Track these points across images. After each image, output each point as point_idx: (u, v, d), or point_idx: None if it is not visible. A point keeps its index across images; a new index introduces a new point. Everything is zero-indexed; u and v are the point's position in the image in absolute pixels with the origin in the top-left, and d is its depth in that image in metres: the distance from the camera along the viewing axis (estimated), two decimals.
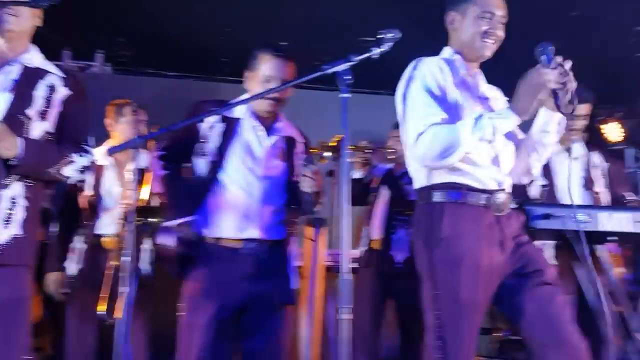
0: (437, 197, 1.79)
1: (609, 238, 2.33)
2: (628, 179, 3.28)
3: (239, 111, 2.13)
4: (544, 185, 2.83)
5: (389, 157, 3.33)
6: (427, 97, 1.77)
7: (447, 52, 1.94)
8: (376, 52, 1.65)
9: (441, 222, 1.75)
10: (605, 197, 2.93)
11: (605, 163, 3.00)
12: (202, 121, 2.11)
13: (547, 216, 2.15)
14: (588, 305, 2.41)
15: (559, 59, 1.68)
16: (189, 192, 2.07)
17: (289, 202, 2.13)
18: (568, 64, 1.68)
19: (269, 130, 2.17)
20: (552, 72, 1.64)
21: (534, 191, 2.83)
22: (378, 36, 1.66)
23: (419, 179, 1.87)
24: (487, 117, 1.71)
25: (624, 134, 4.99)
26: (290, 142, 2.22)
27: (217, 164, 2.07)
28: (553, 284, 1.77)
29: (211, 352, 1.94)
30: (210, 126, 2.11)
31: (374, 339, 3.08)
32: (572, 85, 1.67)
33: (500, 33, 1.84)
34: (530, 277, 1.76)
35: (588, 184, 2.89)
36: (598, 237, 2.28)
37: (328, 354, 2.80)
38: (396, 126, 3.46)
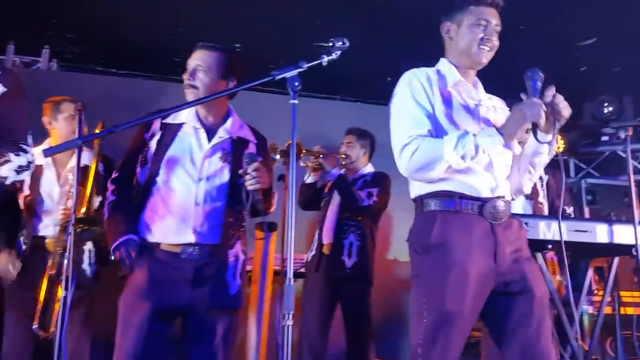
0: (430, 205, 1.80)
1: (548, 246, 2.41)
2: (568, 190, 3.42)
3: (184, 116, 2.12)
4: None
5: (341, 162, 3.36)
6: (414, 108, 1.80)
7: (442, 63, 1.96)
8: (325, 59, 1.66)
9: (432, 230, 1.76)
10: (546, 208, 3.05)
11: (545, 175, 3.13)
12: (147, 131, 2.11)
13: None
14: None
15: (550, 92, 1.72)
16: (124, 219, 2.05)
17: (233, 204, 2.09)
18: (559, 99, 1.72)
19: (213, 133, 2.14)
20: (539, 106, 1.69)
21: None
22: (329, 44, 1.67)
23: (414, 188, 1.89)
24: (472, 134, 1.72)
25: (565, 146, 5.20)
26: (239, 143, 2.19)
27: (154, 170, 2.06)
28: (540, 308, 1.74)
29: (144, 352, 1.91)
30: (151, 134, 2.12)
31: (321, 343, 3.08)
32: (561, 118, 1.73)
33: (496, 41, 1.86)
34: (519, 301, 1.74)
35: (531, 194, 3.00)
36: (538, 245, 2.37)
37: (276, 359, 2.79)
38: (349, 132, 3.50)
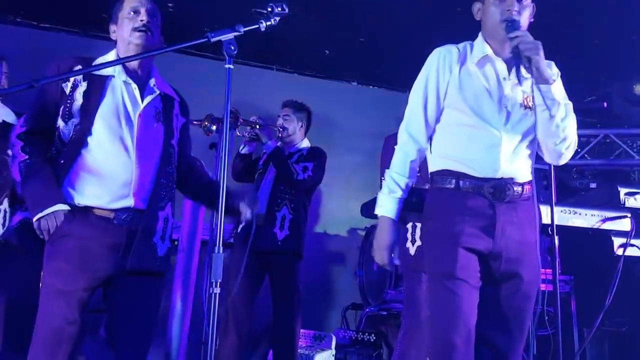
0: (437, 182, 1.91)
1: None
2: None
3: (110, 67, 1.96)
4: None
5: (278, 135, 3.32)
6: (417, 98, 1.94)
7: (478, 38, 1.94)
8: (263, 25, 1.62)
9: (434, 204, 1.90)
10: None
11: None
12: (65, 81, 1.92)
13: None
14: None
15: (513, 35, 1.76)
16: (48, 184, 1.86)
17: (165, 164, 2.00)
18: (521, 39, 1.75)
19: (144, 89, 2.01)
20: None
21: None
22: (268, 9, 1.63)
23: (429, 165, 1.99)
24: (389, 175, 1.92)
25: None
26: (167, 100, 2.07)
27: (85, 127, 1.89)
28: (523, 296, 1.80)
29: (68, 321, 1.82)
30: (74, 85, 1.93)
31: (246, 314, 3.06)
32: (528, 59, 1.74)
33: (519, 13, 1.82)
34: (507, 284, 1.80)
35: None
36: None
37: (200, 327, 2.76)
38: (286, 104, 3.46)
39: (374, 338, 3.67)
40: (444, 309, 1.76)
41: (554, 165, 5.23)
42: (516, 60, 1.83)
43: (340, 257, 4.73)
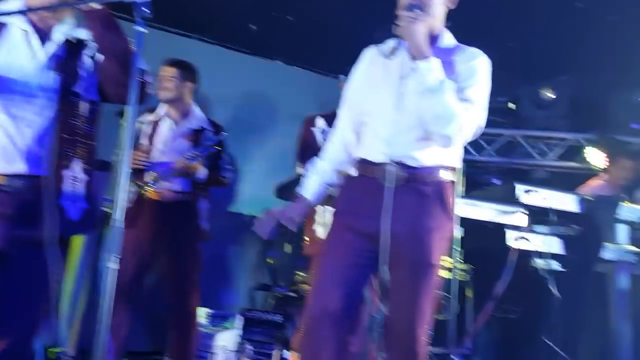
0: (351, 170, 1.95)
1: None
2: None
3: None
4: None
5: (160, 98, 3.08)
6: (346, 96, 1.98)
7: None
8: None
9: (339, 192, 1.94)
10: None
11: None
12: None
13: None
14: None
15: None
16: None
17: (68, 118, 1.85)
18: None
19: (46, 37, 1.84)
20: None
21: None
22: None
23: None
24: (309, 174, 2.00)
25: None
26: (73, 48, 1.90)
27: None
28: (417, 281, 1.77)
29: None
30: None
31: (135, 289, 2.92)
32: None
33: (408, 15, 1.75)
34: (401, 269, 1.77)
35: None
36: None
37: (95, 303, 2.64)
38: (170, 63, 3.12)
39: (281, 319, 3.70)
40: (313, 284, 1.85)
41: (463, 160, 5.47)
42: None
43: (253, 238, 4.70)
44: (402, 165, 1.79)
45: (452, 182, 1.85)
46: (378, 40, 1.92)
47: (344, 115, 2.01)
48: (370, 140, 1.87)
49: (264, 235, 1.97)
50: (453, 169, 1.86)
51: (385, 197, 1.74)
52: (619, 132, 5.49)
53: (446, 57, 1.81)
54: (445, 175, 1.83)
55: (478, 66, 1.83)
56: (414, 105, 1.77)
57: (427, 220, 1.78)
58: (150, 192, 2.90)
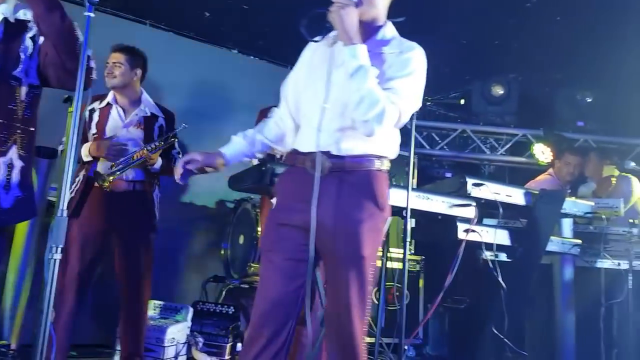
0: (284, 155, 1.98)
1: None
2: None
3: None
4: None
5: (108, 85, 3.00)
6: (286, 84, 1.98)
7: None
8: None
9: (276, 185, 1.94)
10: None
11: None
12: None
13: None
14: None
15: None
16: None
17: (7, 104, 1.78)
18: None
19: None
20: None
21: None
22: None
23: None
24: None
25: None
26: (13, 29, 1.82)
27: None
28: (346, 271, 1.72)
29: None
30: None
31: (84, 281, 2.82)
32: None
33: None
34: (332, 260, 1.76)
35: None
36: None
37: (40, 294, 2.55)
38: (118, 49, 3.05)
39: (233, 310, 3.67)
40: (259, 281, 1.83)
41: (417, 154, 5.55)
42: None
43: (206, 229, 4.64)
44: (329, 154, 1.75)
45: (384, 171, 1.81)
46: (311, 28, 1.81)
47: (282, 103, 1.99)
48: (303, 130, 1.86)
49: (177, 179, 1.91)
50: (385, 159, 1.82)
51: (313, 187, 1.69)
52: (565, 129, 5.71)
53: (381, 48, 1.80)
54: (375, 165, 1.78)
55: (411, 59, 1.79)
56: (341, 93, 1.73)
57: (356, 210, 1.73)
58: (107, 184, 2.81)
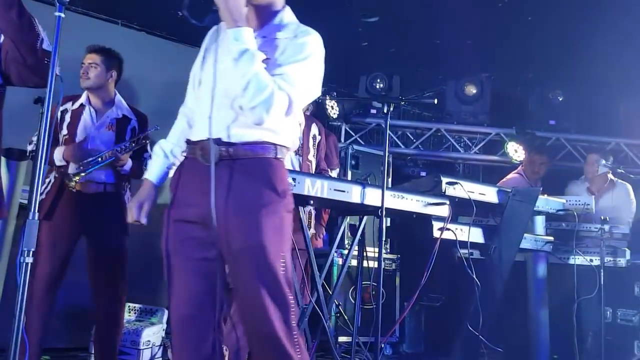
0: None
1: (310, 202, 2.59)
2: (338, 154, 3.68)
3: None
4: None
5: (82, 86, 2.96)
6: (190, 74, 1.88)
7: None
8: None
9: (171, 180, 1.81)
10: (314, 166, 3.26)
11: (319, 135, 3.34)
12: None
13: None
14: None
15: None
16: None
17: None
18: None
19: None
20: None
21: None
22: None
23: None
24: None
25: (339, 112, 5.63)
26: None
27: None
28: (250, 265, 1.62)
29: None
30: None
31: (55, 284, 2.75)
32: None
33: None
34: (235, 254, 1.63)
35: (301, 151, 3.17)
36: (302, 200, 2.52)
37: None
38: (93, 50, 3.00)
39: None
40: (169, 289, 1.71)
41: (391, 153, 5.58)
42: None
43: None
44: (219, 141, 1.65)
45: (281, 159, 1.72)
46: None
47: (188, 94, 1.90)
48: (196, 119, 1.77)
49: (138, 219, 1.85)
50: (283, 147, 1.72)
51: (205, 177, 1.59)
52: (537, 128, 5.82)
53: (276, 33, 1.72)
54: (271, 153, 1.69)
55: (306, 43, 1.70)
56: (230, 79, 1.64)
57: (250, 196, 1.64)
58: (74, 183, 2.76)
